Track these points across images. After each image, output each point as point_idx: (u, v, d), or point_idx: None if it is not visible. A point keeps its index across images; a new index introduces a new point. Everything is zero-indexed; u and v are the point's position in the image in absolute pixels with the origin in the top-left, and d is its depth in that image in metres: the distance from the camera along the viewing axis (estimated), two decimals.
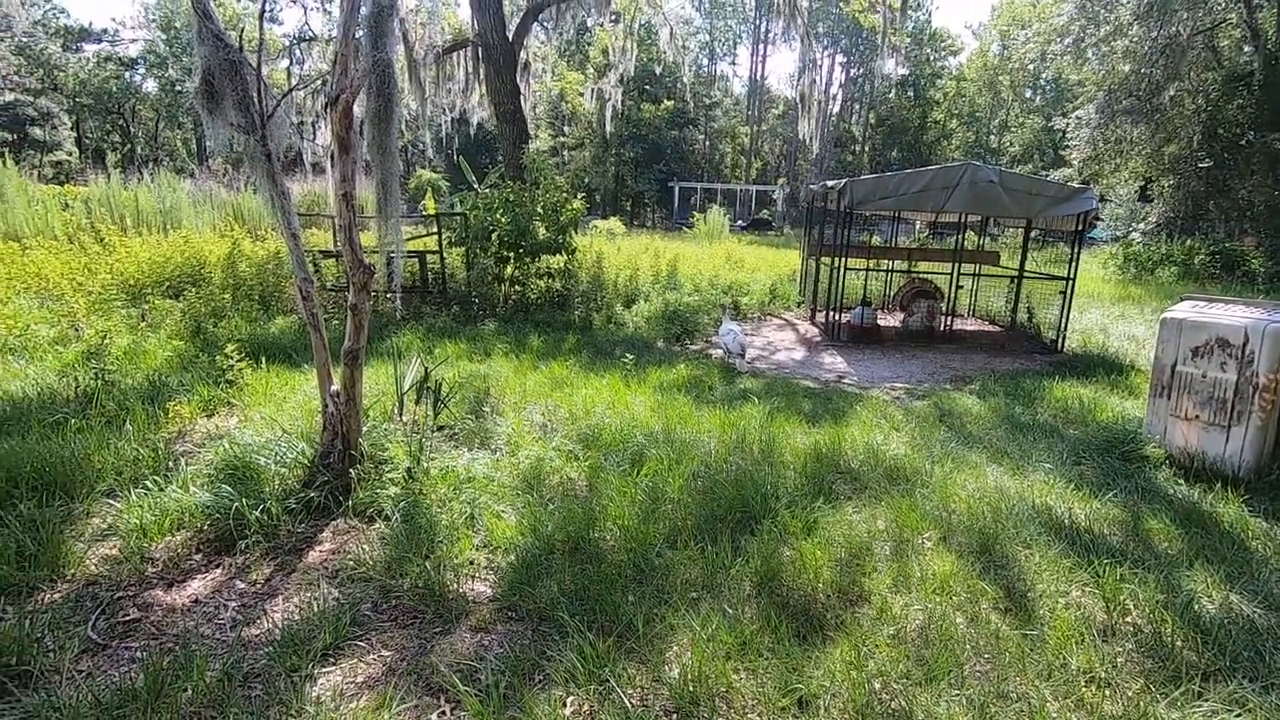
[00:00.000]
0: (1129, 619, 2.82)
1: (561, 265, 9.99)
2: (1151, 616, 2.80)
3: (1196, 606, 2.86)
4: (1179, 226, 20.07)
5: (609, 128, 25.45)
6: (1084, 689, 2.40)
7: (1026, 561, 3.20)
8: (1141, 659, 2.58)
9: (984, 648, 2.61)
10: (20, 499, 3.24)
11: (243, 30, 3.49)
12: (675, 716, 2.26)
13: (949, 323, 9.91)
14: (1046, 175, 21.60)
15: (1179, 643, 2.63)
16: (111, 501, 3.44)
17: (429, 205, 11.74)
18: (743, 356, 7.52)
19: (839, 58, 52.05)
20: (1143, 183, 22.33)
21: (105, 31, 45.10)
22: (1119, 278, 17.56)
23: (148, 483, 3.52)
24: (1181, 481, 4.24)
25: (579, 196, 10.24)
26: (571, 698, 2.31)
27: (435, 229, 9.82)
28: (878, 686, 2.38)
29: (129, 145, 47.15)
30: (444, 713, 2.26)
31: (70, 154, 41.36)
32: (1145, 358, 7.81)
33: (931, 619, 2.74)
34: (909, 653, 2.55)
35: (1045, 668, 2.50)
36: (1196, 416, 4.43)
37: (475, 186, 11.30)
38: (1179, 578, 3.09)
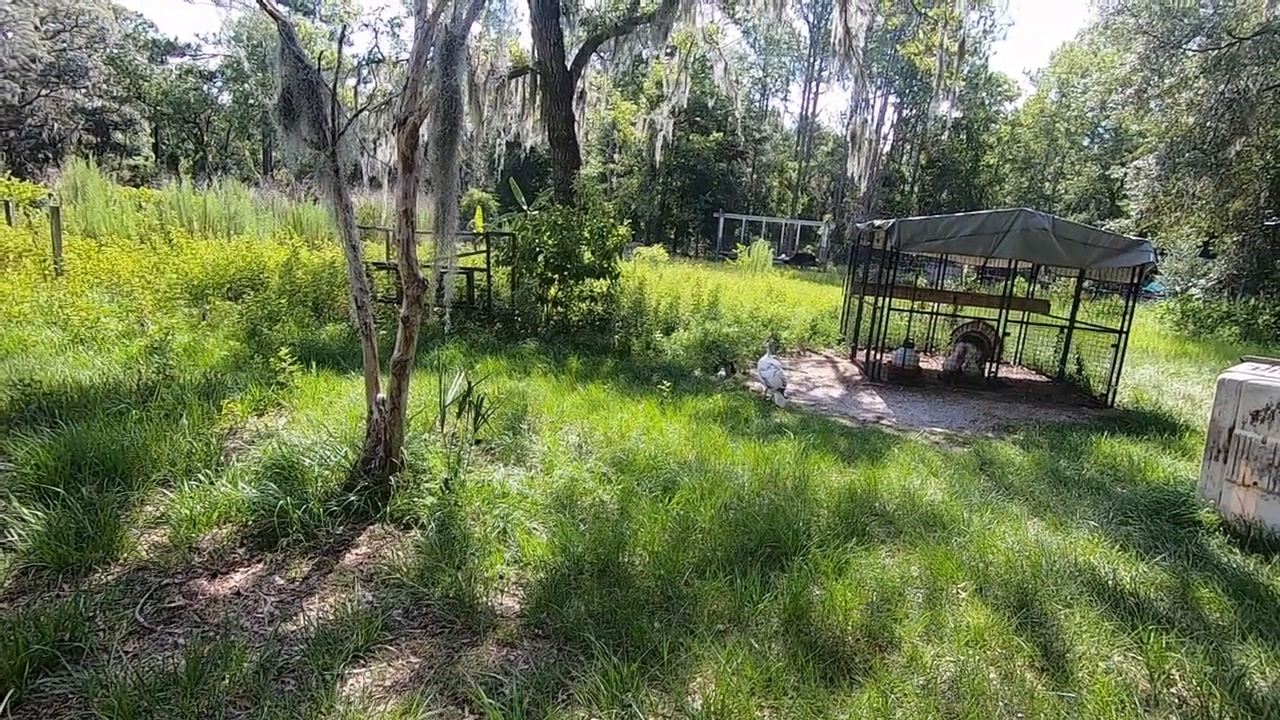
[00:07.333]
0: (1174, 689, 2.70)
1: (604, 289, 10.13)
2: (1199, 689, 2.68)
3: (1248, 682, 2.72)
4: (1242, 285, 19.36)
5: (658, 157, 25.85)
6: None
7: (1066, 621, 3.10)
8: None
9: (1017, 706, 2.53)
10: (83, 482, 3.41)
11: (321, 54, 3.69)
12: None
13: (994, 370, 9.70)
14: (1102, 225, 21.15)
15: (1227, 718, 2.51)
16: (165, 491, 3.59)
17: (478, 224, 12.06)
18: (782, 391, 7.48)
19: (891, 98, 51.95)
20: (1205, 238, 21.66)
21: (189, 46, 47.81)
22: (1176, 334, 16.95)
23: (199, 475, 3.66)
24: (1236, 550, 4.05)
25: (625, 223, 10.39)
26: (594, 719, 2.31)
27: (483, 247, 10.07)
28: None
29: (201, 153, 49.60)
30: None
31: (147, 159, 43.67)
32: (1201, 418, 7.51)
33: (964, 671, 2.67)
34: (939, 704, 2.49)
35: None
36: (1255, 483, 4.25)
37: (524, 208, 11.57)
38: (1230, 650, 2.96)
